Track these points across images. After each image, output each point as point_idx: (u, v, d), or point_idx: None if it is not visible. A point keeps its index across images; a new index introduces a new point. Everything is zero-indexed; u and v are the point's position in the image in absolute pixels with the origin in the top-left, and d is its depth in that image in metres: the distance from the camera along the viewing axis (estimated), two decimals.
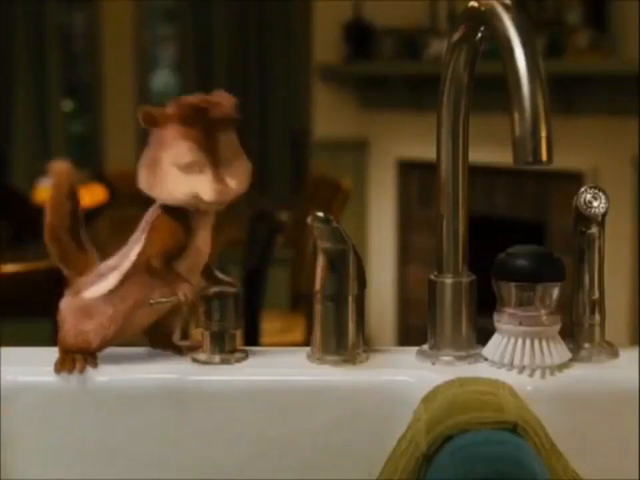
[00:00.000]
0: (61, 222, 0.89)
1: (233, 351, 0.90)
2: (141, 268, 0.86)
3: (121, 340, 0.89)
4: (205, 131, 0.84)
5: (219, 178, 0.84)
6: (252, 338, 2.78)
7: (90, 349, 0.87)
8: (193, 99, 0.85)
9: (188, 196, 0.84)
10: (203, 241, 0.87)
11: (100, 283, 0.88)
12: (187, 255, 0.87)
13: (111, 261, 0.89)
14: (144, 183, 0.85)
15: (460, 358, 0.89)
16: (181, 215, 0.86)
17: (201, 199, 0.84)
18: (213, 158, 0.84)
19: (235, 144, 0.86)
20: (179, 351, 0.91)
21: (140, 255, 0.86)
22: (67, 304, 0.88)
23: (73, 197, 0.90)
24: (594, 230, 0.89)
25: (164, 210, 0.86)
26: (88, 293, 0.88)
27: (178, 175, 0.84)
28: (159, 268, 0.85)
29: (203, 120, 0.84)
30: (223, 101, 0.86)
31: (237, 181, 0.85)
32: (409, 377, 0.87)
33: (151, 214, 0.87)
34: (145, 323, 0.89)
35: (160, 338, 0.92)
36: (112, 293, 0.87)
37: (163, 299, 0.87)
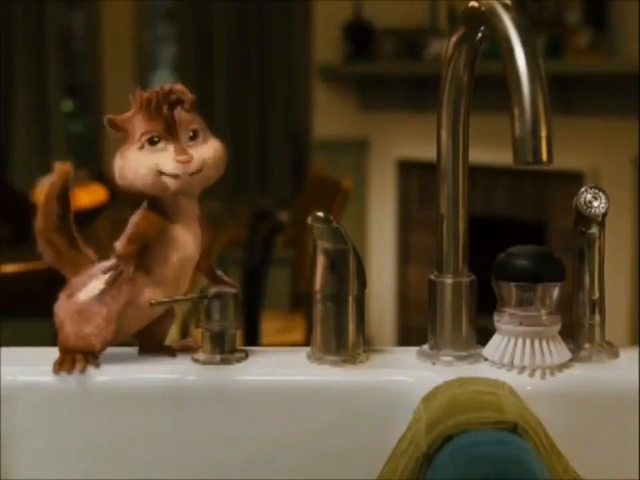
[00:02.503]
0: (51, 224, 0.89)
1: (232, 351, 0.90)
2: (133, 264, 0.87)
3: (118, 339, 0.89)
4: (164, 113, 0.85)
5: (180, 150, 0.85)
6: (252, 338, 2.78)
7: (93, 351, 0.87)
8: (151, 91, 0.87)
9: (151, 173, 0.85)
10: (188, 238, 0.87)
11: (91, 284, 0.88)
12: (172, 253, 0.87)
13: (103, 263, 0.89)
14: (116, 174, 0.87)
15: (460, 358, 0.89)
16: (163, 211, 0.87)
17: (163, 173, 0.85)
18: (175, 136, 0.85)
19: (201, 127, 0.87)
20: (171, 353, 0.91)
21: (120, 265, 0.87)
22: (62, 307, 0.88)
23: (65, 198, 0.90)
24: (594, 230, 0.89)
25: (147, 207, 0.87)
26: (81, 294, 0.88)
27: (141, 154, 0.85)
28: (129, 253, 0.86)
29: (159, 104, 0.85)
30: (176, 86, 0.87)
31: (202, 155, 0.86)
32: (409, 377, 0.87)
33: (134, 216, 0.88)
34: (142, 322, 0.89)
35: (151, 344, 0.92)
36: (103, 292, 0.87)
37: (165, 299, 0.87)
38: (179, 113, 0.86)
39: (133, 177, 0.85)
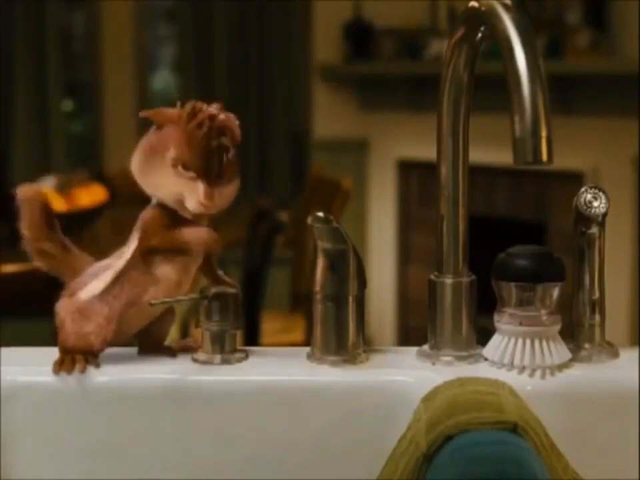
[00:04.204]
0: (38, 236, 0.89)
1: (232, 351, 0.90)
2: (136, 264, 0.86)
3: (119, 339, 0.89)
4: (209, 143, 0.84)
5: (209, 193, 0.84)
6: (252, 338, 2.78)
7: (93, 351, 0.87)
8: (210, 110, 0.85)
9: (173, 198, 0.85)
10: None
11: (93, 283, 0.88)
12: (178, 255, 0.87)
13: (104, 261, 0.89)
14: (136, 167, 0.86)
15: (460, 358, 0.89)
16: (174, 214, 0.87)
17: (184, 207, 0.85)
18: (209, 171, 0.84)
19: (233, 164, 0.86)
20: (171, 353, 0.91)
21: (135, 251, 0.87)
22: (62, 306, 0.88)
23: (47, 211, 0.90)
24: (594, 230, 0.89)
25: (157, 207, 0.87)
26: (83, 293, 0.88)
27: (171, 174, 0.84)
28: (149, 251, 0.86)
29: (217, 140, 0.84)
30: (231, 122, 0.86)
31: (223, 200, 0.86)
32: (409, 377, 0.87)
33: (144, 213, 0.88)
34: (143, 322, 0.89)
35: (151, 344, 0.92)
36: (106, 291, 0.87)
37: (166, 299, 0.87)
38: (224, 156, 0.84)
39: (153, 189, 0.86)
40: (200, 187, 0.84)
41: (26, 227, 0.89)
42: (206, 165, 0.84)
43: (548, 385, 0.85)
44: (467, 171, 0.90)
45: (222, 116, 0.85)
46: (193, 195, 0.84)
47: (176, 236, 0.86)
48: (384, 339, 4.63)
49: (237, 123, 0.87)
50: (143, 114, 0.86)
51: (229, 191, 0.86)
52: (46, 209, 0.90)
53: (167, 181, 0.84)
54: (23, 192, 0.89)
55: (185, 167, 0.84)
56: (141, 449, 0.87)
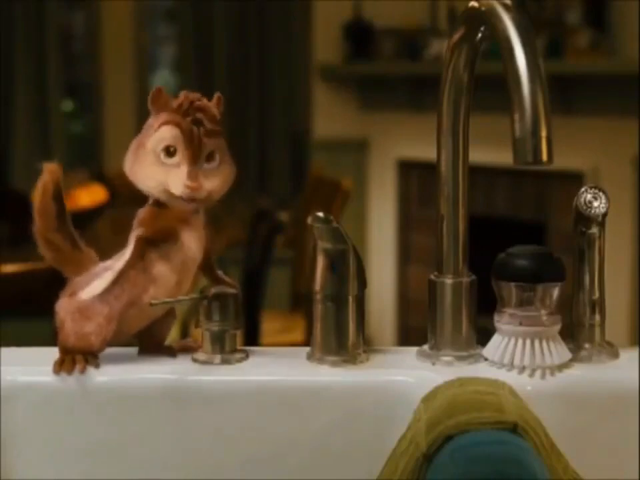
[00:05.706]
0: (49, 224, 0.89)
1: (233, 351, 0.90)
2: (135, 263, 0.86)
3: (119, 339, 0.89)
4: (192, 126, 0.85)
5: (193, 175, 0.84)
6: (252, 338, 2.78)
7: (92, 351, 0.87)
8: (188, 94, 0.87)
9: (159, 186, 0.85)
10: (193, 241, 0.87)
11: (94, 283, 0.88)
12: (175, 254, 0.87)
13: (107, 262, 0.89)
14: (127, 165, 0.86)
15: (460, 358, 0.89)
16: (170, 213, 0.87)
17: (170, 193, 0.85)
18: (194, 155, 0.84)
19: (222, 150, 0.86)
20: (171, 353, 0.91)
21: (134, 250, 0.87)
22: (63, 306, 0.88)
23: (59, 198, 0.89)
24: (594, 230, 0.89)
25: (154, 205, 0.87)
26: (83, 293, 0.87)
27: (154, 162, 0.85)
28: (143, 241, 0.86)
29: (192, 115, 0.85)
30: (209, 104, 0.87)
31: (212, 184, 0.85)
32: (409, 377, 0.87)
33: (140, 211, 0.88)
34: (143, 323, 0.89)
35: (151, 344, 0.92)
36: (106, 292, 0.87)
37: (166, 300, 0.87)
38: (210, 134, 0.85)
39: (140, 181, 0.86)
40: (183, 169, 0.84)
41: (38, 213, 0.89)
42: (189, 143, 0.84)
43: (548, 385, 0.85)
44: (467, 171, 0.90)
45: (196, 99, 0.87)
46: (177, 179, 0.84)
47: (172, 232, 0.86)
48: (384, 339, 4.63)
49: (219, 109, 0.87)
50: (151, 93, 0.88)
51: (220, 177, 0.86)
52: (59, 194, 0.89)
53: (151, 169, 0.85)
54: (46, 167, 0.89)
55: (168, 152, 0.84)
56: (141, 449, 0.87)
